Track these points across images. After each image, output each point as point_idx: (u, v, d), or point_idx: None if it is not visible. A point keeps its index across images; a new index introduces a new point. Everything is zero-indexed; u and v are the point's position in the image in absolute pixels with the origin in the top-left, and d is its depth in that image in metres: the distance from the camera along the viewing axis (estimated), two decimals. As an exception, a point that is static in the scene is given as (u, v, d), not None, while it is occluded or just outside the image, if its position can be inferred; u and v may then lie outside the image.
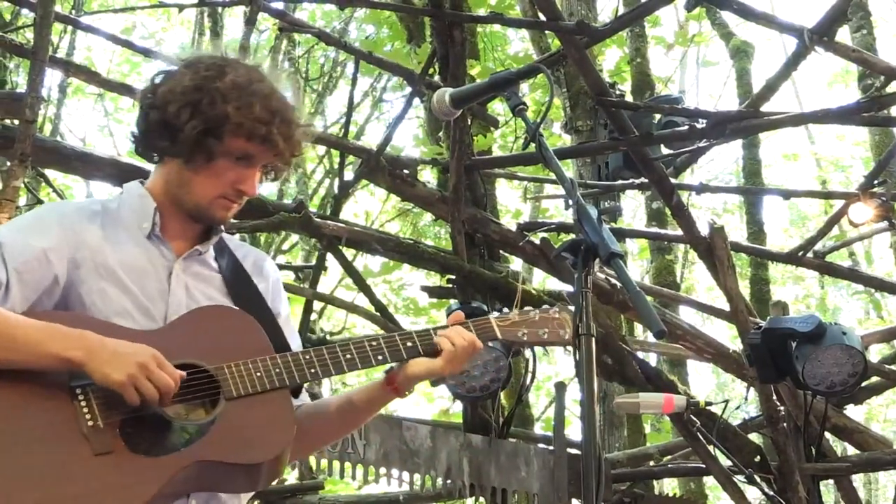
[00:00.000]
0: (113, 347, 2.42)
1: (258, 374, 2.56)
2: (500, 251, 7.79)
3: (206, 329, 2.61)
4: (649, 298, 2.35)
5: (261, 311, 2.76)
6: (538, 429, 12.33)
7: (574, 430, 13.29)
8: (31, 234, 2.61)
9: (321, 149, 13.64)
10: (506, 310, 2.94)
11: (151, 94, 2.72)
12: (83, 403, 2.41)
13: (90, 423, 2.39)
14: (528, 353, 6.60)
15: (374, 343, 2.71)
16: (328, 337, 9.13)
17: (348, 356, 2.67)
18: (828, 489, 11.37)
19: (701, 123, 6.65)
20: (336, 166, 10.46)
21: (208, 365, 2.53)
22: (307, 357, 2.64)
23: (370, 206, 15.11)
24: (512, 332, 2.86)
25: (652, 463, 8.52)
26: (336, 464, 6.03)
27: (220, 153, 2.65)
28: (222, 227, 2.83)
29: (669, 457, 8.53)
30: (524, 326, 2.87)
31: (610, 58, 13.23)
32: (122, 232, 2.70)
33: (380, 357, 2.70)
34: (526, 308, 2.93)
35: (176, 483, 2.40)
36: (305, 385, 2.77)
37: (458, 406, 6.63)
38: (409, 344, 2.73)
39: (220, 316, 2.68)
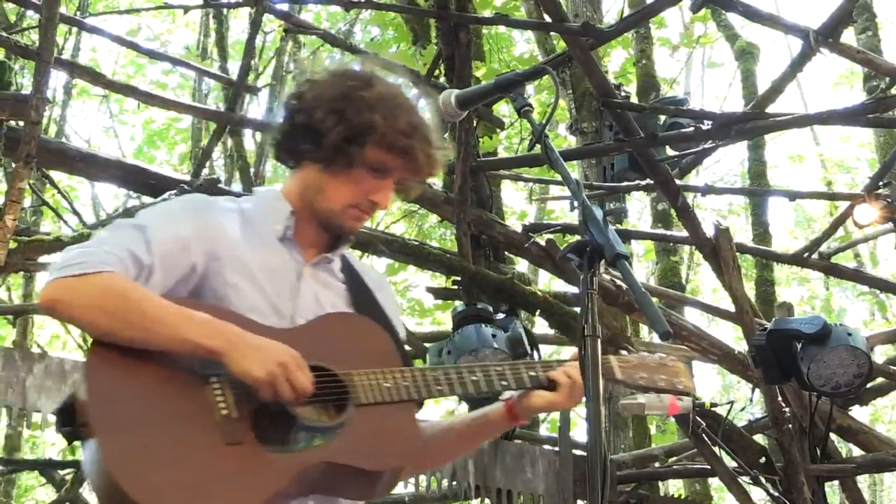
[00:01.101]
0: (255, 343, 2.46)
1: (387, 384, 2.61)
2: (506, 252, 7.80)
3: (336, 334, 2.67)
4: (655, 300, 2.35)
5: (385, 325, 2.80)
6: (544, 430, 12.33)
7: (579, 432, 13.30)
8: (174, 221, 2.65)
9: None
10: (624, 353, 3.05)
11: (297, 99, 2.78)
12: (217, 392, 2.44)
13: (223, 412, 2.42)
14: (534, 355, 6.59)
15: (498, 369, 2.78)
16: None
17: (474, 378, 2.73)
18: (833, 490, 11.39)
19: (706, 125, 6.64)
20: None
21: (338, 370, 2.57)
22: (435, 374, 2.70)
23: (376, 208, 15.06)
24: (630, 374, 2.94)
25: (657, 464, 8.51)
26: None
27: (359, 162, 2.70)
28: (350, 239, 2.87)
29: (675, 458, 8.52)
30: (643, 371, 2.96)
31: (615, 59, 13.24)
32: (255, 231, 2.74)
33: (503, 383, 2.77)
34: (643, 353, 3.07)
35: (300, 481, 2.43)
36: None
37: (463, 407, 6.62)
38: (531, 374, 2.80)
39: (351, 323, 2.74)
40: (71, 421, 2.43)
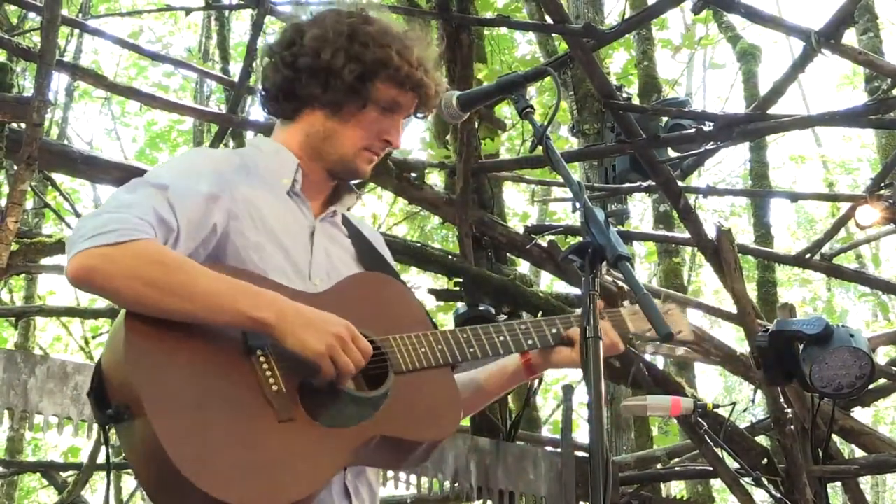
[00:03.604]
0: (307, 314, 2.33)
1: (422, 349, 2.52)
2: (508, 254, 7.80)
3: (367, 297, 2.56)
4: (657, 301, 2.35)
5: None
6: (546, 431, 12.34)
7: (582, 433, 13.32)
8: (193, 177, 2.48)
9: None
10: (627, 304, 2.96)
11: (291, 45, 2.66)
12: (265, 366, 2.30)
13: (274, 387, 2.29)
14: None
15: (523, 327, 2.72)
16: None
17: (502, 339, 2.67)
18: (835, 491, 11.37)
19: (708, 126, 6.64)
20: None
21: (375, 336, 2.45)
22: (465, 335, 2.62)
23: (377, 209, 15.12)
24: (640, 326, 2.89)
25: (659, 465, 8.51)
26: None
27: (371, 101, 2.62)
28: (355, 190, 2.78)
29: (677, 459, 8.53)
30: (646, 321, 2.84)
31: (617, 61, 13.25)
32: (264, 186, 2.61)
33: (530, 342, 2.72)
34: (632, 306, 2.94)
35: (356, 455, 2.36)
36: None
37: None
38: (553, 331, 2.75)
39: (379, 284, 2.65)
40: (108, 402, 2.24)
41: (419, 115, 2.76)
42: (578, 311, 2.79)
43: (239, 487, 2.15)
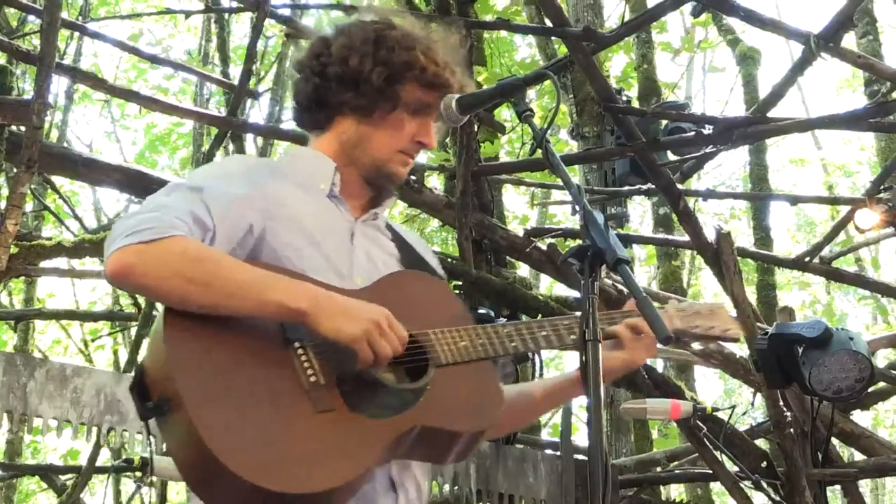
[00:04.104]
0: (342, 302, 2.36)
1: (463, 342, 2.53)
2: (507, 257, 7.80)
3: (405, 293, 2.58)
4: (656, 304, 2.35)
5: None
6: (545, 435, 12.30)
7: (581, 436, 13.30)
8: (229, 181, 2.53)
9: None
10: (674, 301, 2.94)
11: (319, 56, 2.71)
12: (303, 358, 2.34)
13: (312, 378, 2.32)
14: (536, 359, 6.59)
15: (566, 322, 2.70)
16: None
17: (544, 333, 2.66)
18: (835, 495, 11.35)
19: (708, 129, 6.64)
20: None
21: (413, 330, 2.47)
22: (507, 330, 2.62)
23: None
24: (688, 322, 2.87)
25: (659, 468, 8.51)
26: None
27: (401, 104, 2.65)
28: (394, 193, 2.81)
29: (676, 462, 8.52)
30: (697, 319, 2.87)
31: (616, 64, 13.23)
32: (301, 189, 2.65)
33: (572, 337, 2.66)
34: (691, 302, 2.99)
35: (395, 447, 2.36)
36: None
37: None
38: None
39: (418, 281, 2.67)
40: (149, 395, 2.28)
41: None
42: (627, 305, 2.79)
43: (276, 474, 2.17)
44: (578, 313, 2.58)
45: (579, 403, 11.03)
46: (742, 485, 6.63)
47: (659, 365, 11.82)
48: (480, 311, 6.44)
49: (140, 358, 2.44)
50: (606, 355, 2.64)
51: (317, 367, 2.34)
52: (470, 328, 2.57)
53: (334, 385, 2.34)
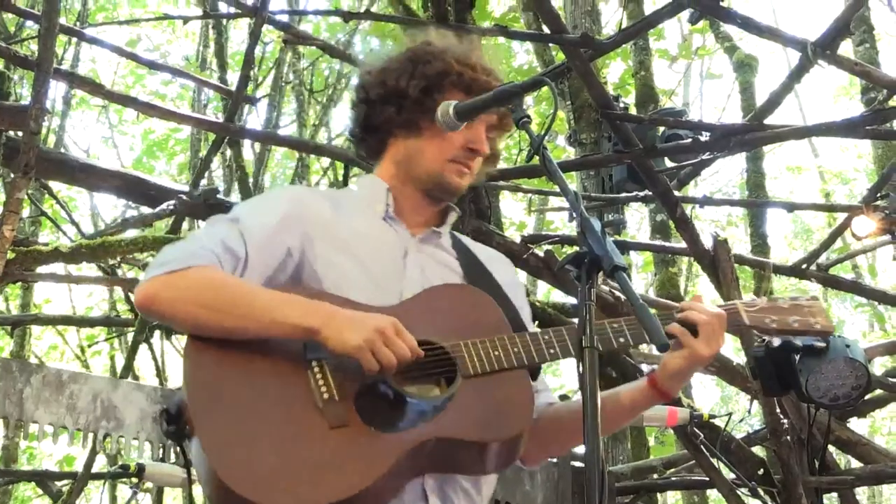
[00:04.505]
0: (350, 314, 2.41)
1: (496, 352, 2.52)
2: (504, 263, 7.78)
3: (442, 307, 2.60)
4: (653, 311, 2.34)
5: (499, 298, 2.70)
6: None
7: (577, 443, 13.25)
8: (266, 210, 2.64)
9: (325, 160, 13.65)
10: (751, 296, 2.90)
11: (364, 85, 2.82)
12: (318, 376, 2.39)
13: (325, 395, 2.37)
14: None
15: (615, 325, 2.65)
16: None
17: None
18: (831, 502, 11.35)
19: (705, 136, 6.64)
20: (340, 178, 10.47)
21: (444, 342, 2.49)
22: (546, 337, 2.60)
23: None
24: (759, 318, 2.79)
25: (655, 476, 8.50)
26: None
27: None
28: (457, 209, 2.83)
29: (673, 469, 8.51)
30: (772, 313, 2.80)
31: (614, 70, 13.28)
32: (354, 212, 2.72)
33: (621, 339, 2.63)
34: (774, 296, 2.86)
35: (413, 459, 2.36)
36: None
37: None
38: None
39: (456, 294, 2.67)
40: (175, 420, 2.37)
41: (499, 119, 2.81)
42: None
43: (275, 490, 2.22)
44: (626, 317, 2.61)
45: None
46: (739, 492, 6.62)
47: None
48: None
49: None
50: (669, 358, 2.62)
51: (332, 383, 2.38)
52: (506, 337, 2.57)
53: (351, 400, 2.37)
